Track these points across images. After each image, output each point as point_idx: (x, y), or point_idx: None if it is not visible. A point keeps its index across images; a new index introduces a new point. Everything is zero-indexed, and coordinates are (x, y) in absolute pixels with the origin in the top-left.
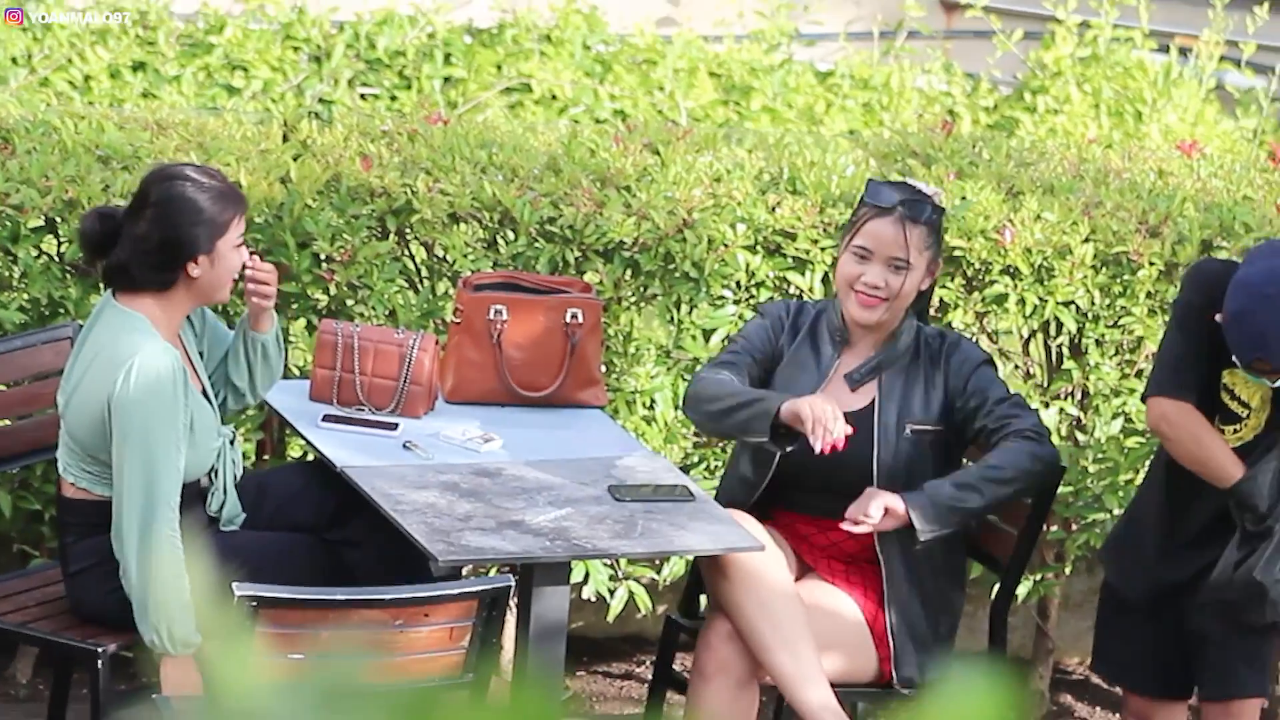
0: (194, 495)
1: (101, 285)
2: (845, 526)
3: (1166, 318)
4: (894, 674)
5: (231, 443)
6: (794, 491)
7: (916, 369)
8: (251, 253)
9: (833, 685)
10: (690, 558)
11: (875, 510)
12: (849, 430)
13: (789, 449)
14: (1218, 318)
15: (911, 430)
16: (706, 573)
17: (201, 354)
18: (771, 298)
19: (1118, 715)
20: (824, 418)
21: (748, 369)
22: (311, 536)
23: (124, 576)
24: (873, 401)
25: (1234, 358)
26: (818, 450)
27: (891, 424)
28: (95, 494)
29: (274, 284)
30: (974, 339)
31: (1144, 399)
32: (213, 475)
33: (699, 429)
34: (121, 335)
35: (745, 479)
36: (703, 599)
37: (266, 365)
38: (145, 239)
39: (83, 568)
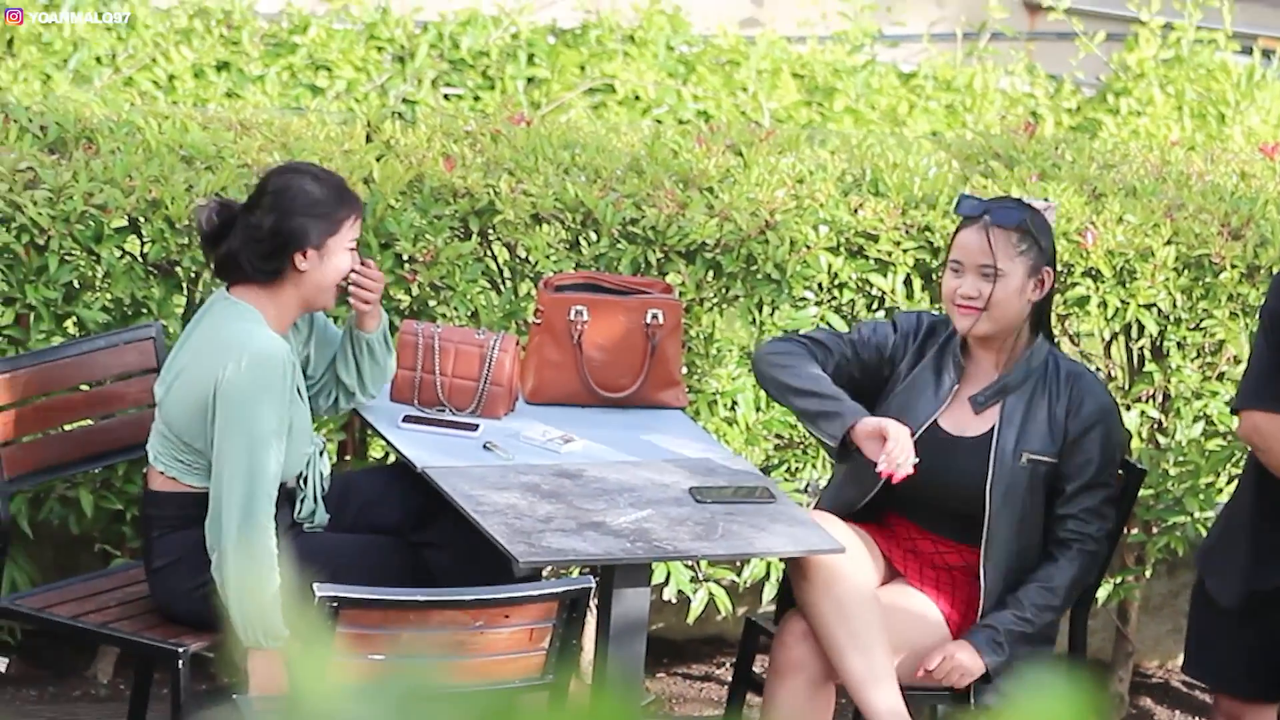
0: (282, 498)
1: (212, 277)
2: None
3: (1248, 320)
4: (973, 698)
5: (321, 453)
6: (905, 502)
7: (1041, 397)
8: (363, 261)
9: (910, 688)
10: (775, 560)
11: (951, 674)
12: (916, 461)
13: (842, 461)
14: None
15: (1028, 459)
16: (791, 573)
17: (308, 358)
18: (853, 300)
19: (1198, 718)
20: (901, 444)
21: (839, 356)
22: (395, 538)
23: (217, 565)
24: (992, 428)
25: None
26: (880, 471)
27: (1009, 451)
28: (185, 485)
29: (378, 290)
30: (1056, 342)
31: (1235, 411)
32: (301, 481)
33: (758, 378)
34: (232, 323)
35: (847, 497)
36: None
37: (374, 364)
38: (258, 227)
39: (166, 563)
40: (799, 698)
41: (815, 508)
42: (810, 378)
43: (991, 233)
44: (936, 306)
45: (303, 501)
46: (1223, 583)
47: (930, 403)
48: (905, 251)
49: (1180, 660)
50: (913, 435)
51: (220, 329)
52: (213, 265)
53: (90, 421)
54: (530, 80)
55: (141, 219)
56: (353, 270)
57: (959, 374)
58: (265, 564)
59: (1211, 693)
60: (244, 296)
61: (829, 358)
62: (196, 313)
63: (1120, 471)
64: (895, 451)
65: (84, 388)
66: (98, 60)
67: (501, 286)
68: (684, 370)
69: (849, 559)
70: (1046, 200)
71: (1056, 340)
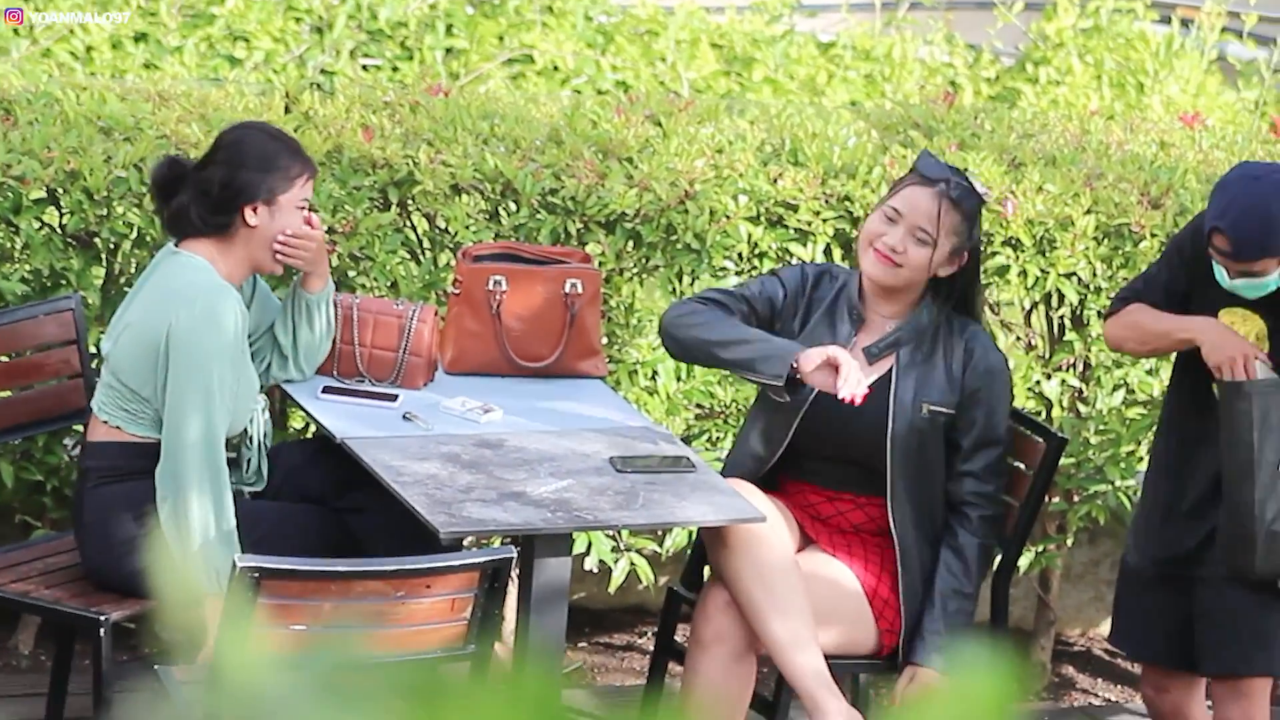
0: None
1: (163, 232)
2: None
3: None
4: (900, 650)
5: (264, 410)
6: (805, 460)
7: (935, 350)
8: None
9: (831, 657)
10: (693, 529)
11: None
12: (868, 388)
13: (791, 397)
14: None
15: (928, 410)
16: (708, 542)
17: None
18: (773, 270)
19: (1120, 686)
20: (853, 366)
21: (738, 313)
22: (320, 506)
23: (171, 510)
24: (889, 373)
25: (1214, 261)
26: (843, 397)
27: (908, 401)
28: (127, 434)
29: (312, 246)
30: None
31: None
32: (248, 440)
33: (676, 353)
34: (184, 273)
35: (756, 454)
36: (706, 571)
37: (311, 331)
38: (208, 180)
39: (98, 518)
40: (721, 668)
41: (722, 475)
42: (730, 327)
43: (943, 204)
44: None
45: (249, 461)
46: (1137, 548)
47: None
48: (825, 221)
49: (1103, 629)
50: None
51: (171, 281)
52: (164, 221)
53: (10, 392)
54: (449, 51)
55: (60, 190)
56: (288, 229)
57: (856, 325)
58: (227, 507)
59: (1135, 663)
60: (193, 249)
61: (729, 314)
62: (144, 271)
63: (1036, 435)
64: (851, 375)
65: (3, 359)
66: (15, 32)
67: (421, 257)
68: (604, 340)
69: (769, 527)
70: (985, 189)
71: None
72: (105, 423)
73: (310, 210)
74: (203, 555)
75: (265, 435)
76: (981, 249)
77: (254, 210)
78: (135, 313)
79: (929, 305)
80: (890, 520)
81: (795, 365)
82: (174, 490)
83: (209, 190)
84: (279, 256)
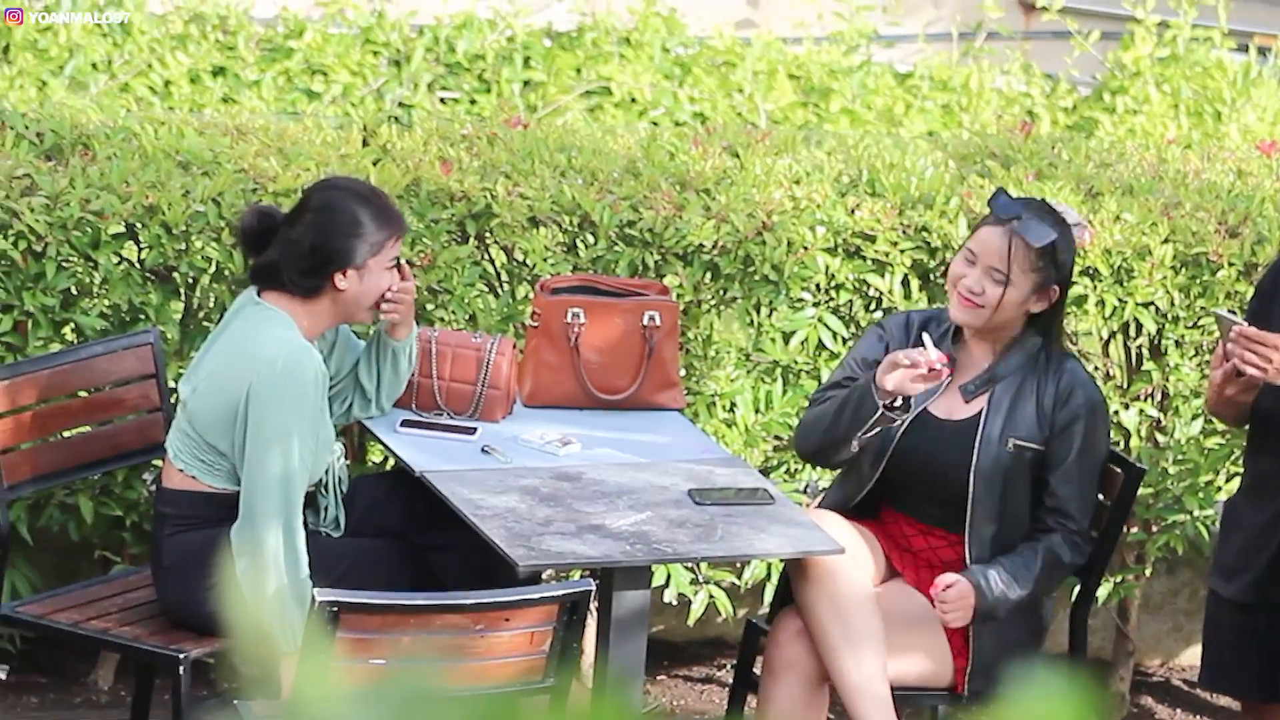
0: (304, 503)
1: (249, 280)
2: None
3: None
4: (966, 683)
5: (340, 458)
6: (901, 492)
7: (1029, 386)
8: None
9: (908, 689)
10: (774, 561)
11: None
12: (944, 357)
13: (903, 416)
14: None
15: (1014, 445)
16: (791, 572)
17: (329, 362)
18: (850, 301)
19: (1199, 717)
20: (911, 352)
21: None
22: (400, 541)
23: (247, 569)
24: (980, 413)
25: None
26: (925, 369)
27: (995, 436)
28: (202, 485)
29: (410, 301)
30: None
31: None
32: (323, 487)
33: (819, 464)
34: (267, 328)
35: (848, 488)
36: None
37: (395, 373)
38: (298, 242)
39: (175, 563)
40: (793, 696)
41: (818, 505)
42: (825, 411)
43: (1014, 242)
44: (936, 305)
45: (326, 508)
46: (1221, 577)
47: (924, 393)
48: (902, 252)
49: (1182, 659)
50: (905, 421)
51: (253, 334)
52: (250, 272)
53: (89, 428)
54: (526, 83)
55: (138, 225)
56: (389, 288)
57: (951, 363)
58: (304, 567)
59: (1234, 698)
60: (276, 303)
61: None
62: (226, 314)
63: (1114, 466)
64: (915, 356)
65: (82, 394)
66: (94, 66)
67: (499, 289)
68: (682, 372)
69: (849, 559)
70: (1080, 217)
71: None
72: (181, 471)
73: (399, 262)
74: (279, 615)
75: (340, 481)
76: (1070, 280)
77: (344, 275)
78: (214, 362)
79: (1024, 341)
80: (966, 552)
81: (877, 389)
82: (250, 550)
83: (300, 254)
84: (385, 313)
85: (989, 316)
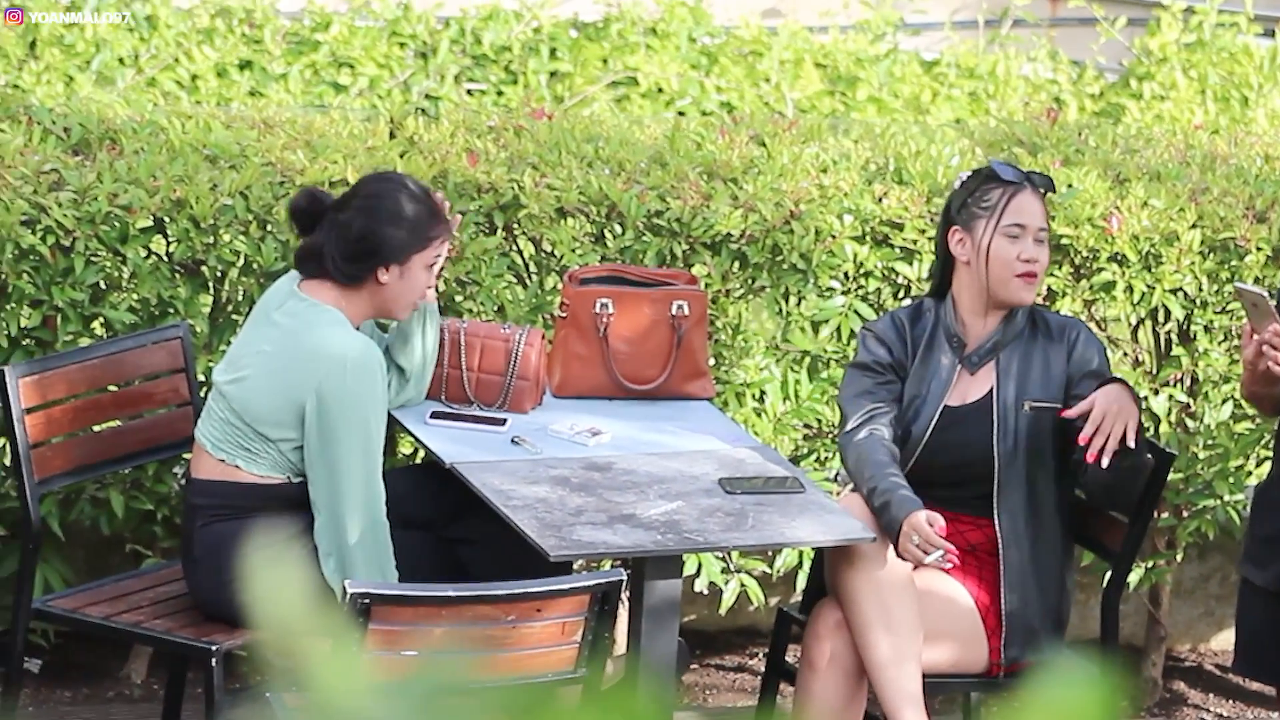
0: None
1: (293, 265)
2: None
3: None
4: (1001, 658)
5: None
6: (927, 480)
7: (1034, 347)
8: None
9: (944, 675)
10: (804, 550)
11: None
12: (952, 552)
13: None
14: None
15: (1030, 408)
16: (828, 559)
17: None
18: (879, 289)
19: (1231, 701)
20: (929, 537)
21: (890, 408)
22: (429, 534)
23: (336, 569)
24: (991, 389)
25: None
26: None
27: (1010, 403)
28: (244, 474)
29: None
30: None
31: None
32: None
33: None
34: (324, 324)
35: None
36: None
37: (424, 343)
38: (347, 227)
39: (207, 553)
40: (833, 690)
41: (849, 493)
42: (868, 474)
43: (1041, 198)
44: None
45: None
46: (1253, 564)
47: (938, 385)
48: (930, 239)
49: (1214, 644)
50: (929, 420)
51: (307, 331)
52: (296, 253)
53: (119, 422)
54: (553, 74)
55: (166, 219)
56: (428, 287)
57: (958, 350)
58: (389, 556)
59: (1268, 684)
60: (318, 294)
61: (887, 421)
62: (262, 299)
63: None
64: (935, 543)
65: (112, 388)
66: (120, 61)
67: (527, 280)
68: (711, 361)
69: (886, 545)
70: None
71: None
72: (222, 461)
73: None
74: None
75: None
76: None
77: (386, 270)
78: (265, 356)
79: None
80: (996, 527)
81: (899, 529)
82: (338, 546)
83: (347, 238)
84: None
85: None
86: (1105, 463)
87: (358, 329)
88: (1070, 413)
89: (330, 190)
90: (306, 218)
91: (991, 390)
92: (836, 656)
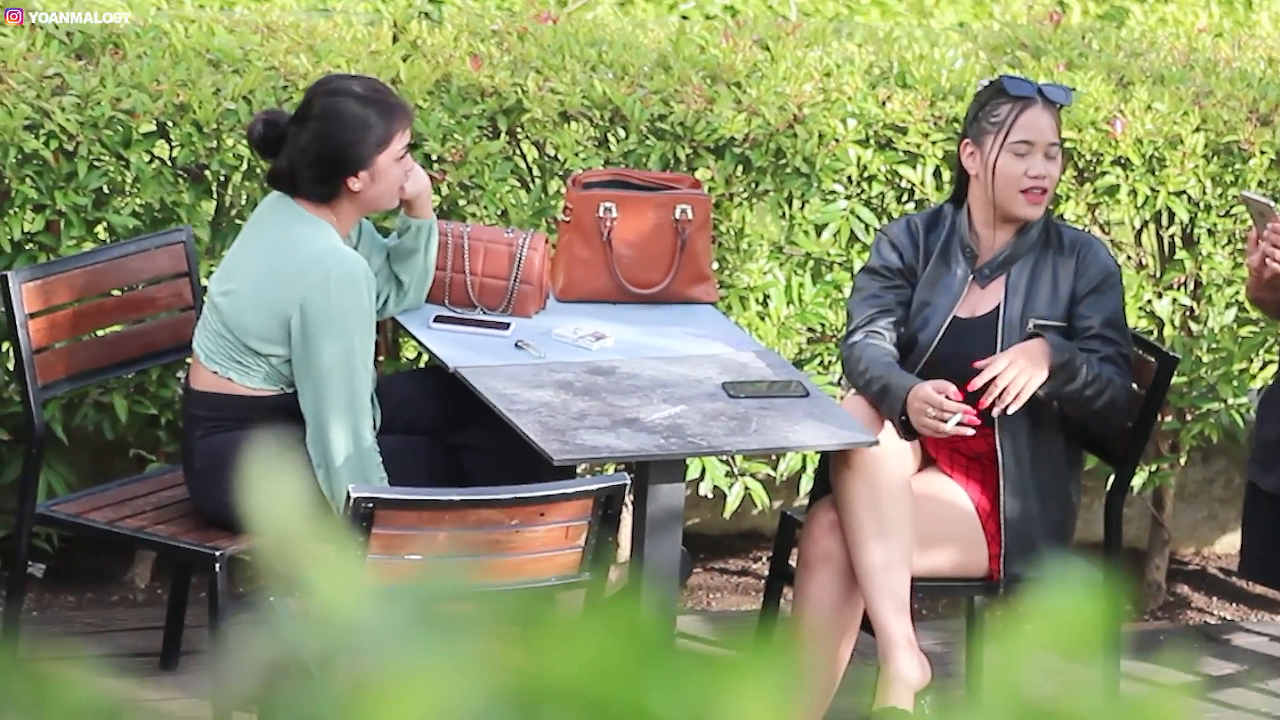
0: None
1: (267, 186)
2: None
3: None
4: (1001, 570)
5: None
6: None
7: (1045, 263)
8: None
9: (944, 579)
10: (811, 455)
11: (1000, 364)
12: (970, 411)
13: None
14: None
15: (1035, 325)
16: (831, 462)
17: None
18: (882, 193)
19: (1235, 605)
20: (947, 404)
21: (897, 310)
22: (431, 439)
23: (326, 478)
24: (998, 305)
25: None
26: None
27: (1016, 319)
28: (237, 386)
29: (427, 182)
30: (1086, 229)
31: None
32: None
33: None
34: (309, 238)
35: None
36: None
37: (427, 256)
38: (306, 150)
39: (207, 464)
40: (829, 590)
41: (852, 396)
42: (864, 367)
43: (1054, 111)
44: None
45: None
46: (1260, 467)
47: (948, 296)
48: (934, 143)
49: (1218, 547)
50: (937, 330)
51: (296, 243)
52: (269, 178)
53: (122, 327)
54: None
55: (169, 123)
56: (405, 174)
57: (971, 261)
58: (375, 468)
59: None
60: (307, 206)
61: (891, 325)
62: (254, 213)
63: (1147, 355)
64: (948, 406)
65: (115, 293)
66: None
67: (530, 185)
68: (714, 265)
69: (888, 449)
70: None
71: (1086, 229)
72: (215, 373)
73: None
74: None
75: (374, 380)
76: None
77: (355, 178)
78: (254, 269)
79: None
80: (996, 439)
81: (905, 406)
82: (324, 458)
83: (310, 161)
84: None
85: (1051, 197)
86: (995, 413)
87: (359, 235)
88: (977, 380)
89: None
90: (268, 145)
91: (999, 306)
92: (831, 557)
